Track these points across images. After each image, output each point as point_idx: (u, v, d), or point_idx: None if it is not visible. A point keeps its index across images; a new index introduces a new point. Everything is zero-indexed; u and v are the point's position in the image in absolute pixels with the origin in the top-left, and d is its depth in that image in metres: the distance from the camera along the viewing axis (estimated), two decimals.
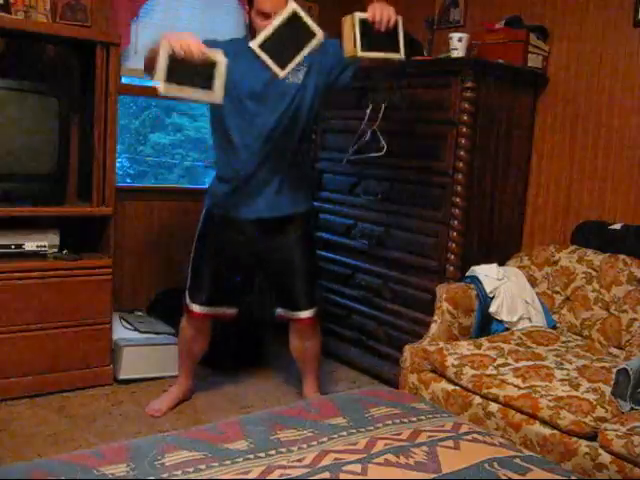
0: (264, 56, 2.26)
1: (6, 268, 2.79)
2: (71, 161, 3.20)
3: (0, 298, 2.77)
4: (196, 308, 2.77)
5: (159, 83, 2.19)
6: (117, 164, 3.18)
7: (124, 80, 3.51)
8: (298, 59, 2.31)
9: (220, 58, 2.24)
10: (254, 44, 2.25)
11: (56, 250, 2.99)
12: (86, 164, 3.11)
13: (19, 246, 2.91)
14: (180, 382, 2.92)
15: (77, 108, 3.23)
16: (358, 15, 2.33)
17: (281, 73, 2.30)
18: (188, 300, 2.79)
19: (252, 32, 2.50)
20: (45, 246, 2.97)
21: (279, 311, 2.85)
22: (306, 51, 2.30)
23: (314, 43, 2.31)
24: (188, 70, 2.19)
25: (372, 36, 2.35)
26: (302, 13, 2.29)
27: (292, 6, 2.28)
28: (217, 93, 2.25)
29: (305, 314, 2.77)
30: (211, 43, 2.52)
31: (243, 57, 2.44)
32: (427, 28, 3.58)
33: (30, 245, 2.93)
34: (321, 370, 3.05)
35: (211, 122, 2.72)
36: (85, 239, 3.13)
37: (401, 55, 2.43)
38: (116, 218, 3.14)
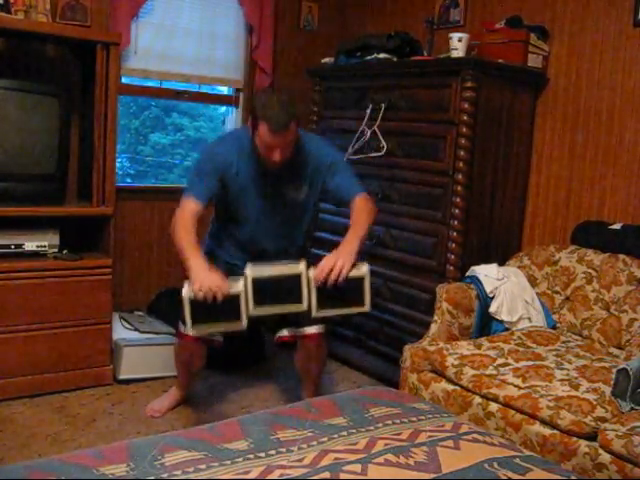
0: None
1: (6, 268, 2.79)
2: (71, 161, 3.20)
3: (0, 298, 2.77)
4: (189, 331, 2.65)
5: (188, 328, 2.32)
6: (117, 164, 3.19)
7: (124, 80, 3.51)
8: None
9: (241, 287, 2.27)
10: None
11: (56, 250, 2.99)
12: (86, 164, 3.11)
13: (19, 246, 2.90)
14: (179, 386, 2.90)
15: (77, 108, 3.23)
16: (310, 274, 2.29)
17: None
18: (181, 324, 2.64)
19: (256, 150, 2.50)
20: (45, 246, 2.97)
21: (282, 333, 2.71)
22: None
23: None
24: (213, 308, 2.23)
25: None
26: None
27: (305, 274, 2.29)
28: (243, 322, 2.28)
29: (312, 330, 2.65)
30: (212, 154, 2.60)
31: (245, 158, 2.53)
32: (427, 28, 3.59)
33: (30, 245, 2.93)
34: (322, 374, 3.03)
35: (216, 207, 2.75)
36: (85, 239, 3.13)
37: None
38: (116, 218, 3.14)
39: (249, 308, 2.27)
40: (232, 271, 2.55)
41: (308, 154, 2.59)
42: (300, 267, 2.31)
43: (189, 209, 2.47)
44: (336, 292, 2.30)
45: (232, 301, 2.24)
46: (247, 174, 2.56)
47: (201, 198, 2.48)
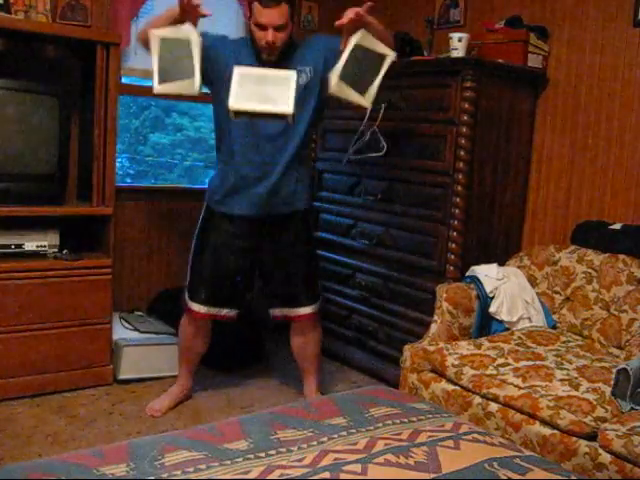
0: (346, 92, 2.33)
1: (6, 268, 2.79)
2: (71, 161, 3.20)
3: (0, 298, 2.77)
4: (195, 307, 2.76)
5: (154, 85, 2.37)
6: (117, 164, 3.19)
7: (124, 80, 3.51)
8: (377, 83, 2.35)
9: (193, 35, 2.37)
10: (334, 82, 2.32)
11: (56, 250, 2.99)
12: (86, 164, 3.11)
13: (19, 246, 2.91)
14: (180, 382, 2.92)
15: (77, 108, 3.23)
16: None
17: (366, 103, 2.37)
18: (187, 298, 2.79)
19: (253, 39, 2.53)
20: (45, 246, 2.97)
21: (275, 311, 2.83)
22: (383, 72, 2.35)
23: (387, 62, 2.35)
24: (174, 66, 2.34)
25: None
26: (367, 42, 2.31)
27: (356, 38, 2.32)
28: (196, 81, 2.36)
29: (306, 310, 2.77)
30: (217, 39, 2.59)
31: (246, 59, 2.50)
32: (427, 28, 3.58)
33: (30, 245, 2.93)
34: (322, 371, 3.05)
35: (214, 121, 2.73)
36: (85, 239, 3.13)
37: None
38: (116, 218, 3.14)
39: (231, 102, 2.31)
40: (245, 181, 2.62)
41: (309, 46, 2.62)
42: (290, 72, 2.33)
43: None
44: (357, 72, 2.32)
45: (189, 61, 2.34)
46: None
47: None
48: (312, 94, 2.61)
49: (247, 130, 2.58)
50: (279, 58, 2.52)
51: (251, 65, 2.48)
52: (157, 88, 2.37)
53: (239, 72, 2.32)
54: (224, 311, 2.79)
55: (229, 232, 2.70)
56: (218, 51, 2.56)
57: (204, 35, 2.52)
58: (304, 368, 2.92)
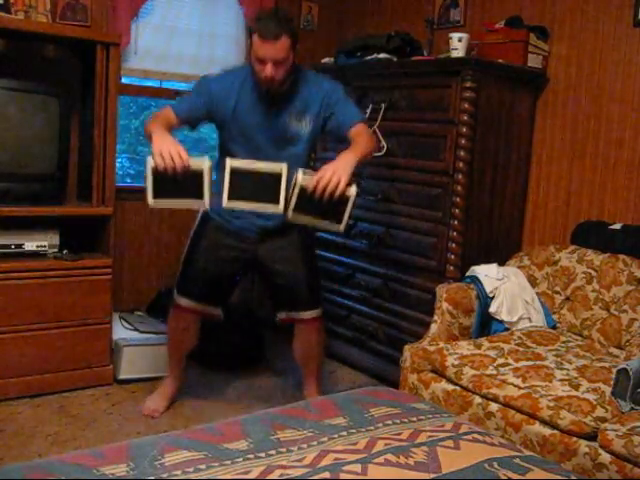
0: (304, 219, 2.33)
1: (6, 268, 2.79)
2: (71, 161, 3.20)
3: (0, 298, 2.77)
4: (183, 302, 2.74)
5: (148, 199, 2.26)
6: (117, 164, 3.19)
7: (124, 80, 3.51)
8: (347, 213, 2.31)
9: (205, 165, 2.24)
10: (289, 216, 2.28)
11: (56, 250, 2.99)
12: (86, 164, 3.11)
13: (19, 246, 2.90)
14: (171, 379, 2.88)
15: (77, 108, 3.23)
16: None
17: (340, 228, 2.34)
18: (176, 293, 2.77)
19: (253, 71, 2.49)
20: (45, 246, 2.96)
21: (281, 315, 2.80)
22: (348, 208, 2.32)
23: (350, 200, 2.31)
24: (175, 181, 2.22)
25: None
26: (308, 183, 2.24)
27: (299, 180, 2.24)
28: (206, 200, 2.27)
29: (309, 314, 2.74)
30: (209, 81, 2.58)
31: (247, 93, 2.51)
32: (427, 28, 3.58)
33: (30, 245, 2.93)
34: (322, 371, 3.04)
35: (218, 143, 2.74)
36: (85, 239, 3.13)
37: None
38: (116, 218, 3.14)
39: (223, 199, 2.26)
40: (236, 235, 2.61)
41: (310, 85, 2.58)
42: (282, 167, 2.26)
43: (164, 112, 2.49)
44: (317, 203, 2.24)
45: (195, 178, 2.23)
46: (248, 106, 2.54)
47: (179, 112, 2.49)
48: (313, 134, 2.62)
49: (249, 156, 2.56)
50: (279, 92, 2.50)
51: (253, 106, 2.49)
52: (153, 202, 2.27)
53: (231, 166, 2.26)
54: (211, 308, 2.76)
55: (228, 241, 2.68)
56: (221, 94, 2.54)
57: (206, 81, 2.54)
58: (305, 370, 2.91)
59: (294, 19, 2.54)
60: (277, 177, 2.25)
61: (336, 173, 2.24)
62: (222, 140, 2.69)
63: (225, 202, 2.26)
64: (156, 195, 2.24)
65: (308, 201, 2.24)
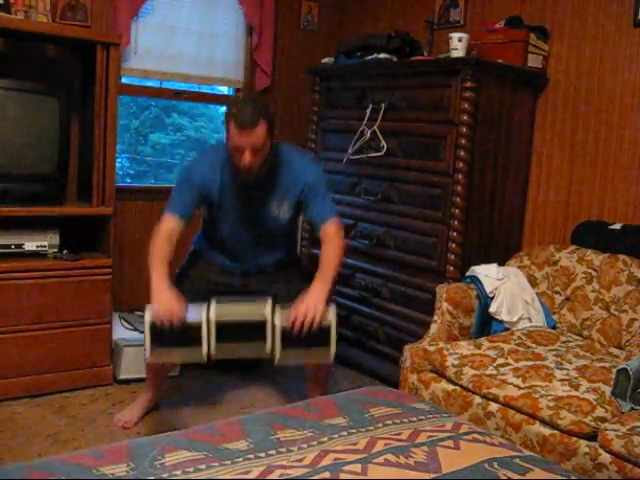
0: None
1: (6, 268, 2.79)
2: (71, 161, 3.20)
3: (0, 298, 2.77)
4: (148, 357, 2.63)
5: (146, 353, 2.30)
6: (117, 164, 3.19)
7: (124, 80, 3.51)
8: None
9: (203, 318, 2.26)
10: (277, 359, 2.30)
11: (56, 250, 2.99)
12: (86, 164, 3.11)
13: (19, 246, 2.90)
14: (149, 389, 2.80)
15: (77, 108, 3.23)
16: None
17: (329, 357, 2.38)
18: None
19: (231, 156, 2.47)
20: (45, 246, 2.97)
21: None
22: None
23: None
24: (173, 334, 2.24)
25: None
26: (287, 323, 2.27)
27: (278, 322, 2.27)
28: (204, 352, 2.28)
29: None
30: (191, 173, 2.57)
31: (228, 180, 2.51)
32: (427, 28, 3.58)
33: (30, 245, 2.93)
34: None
35: (203, 215, 2.75)
36: (85, 239, 3.13)
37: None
38: (116, 218, 3.14)
39: (210, 349, 2.27)
40: (223, 272, 2.62)
41: (291, 170, 2.54)
42: (265, 312, 2.28)
43: (167, 227, 2.47)
44: (301, 340, 2.27)
45: (193, 331, 2.25)
46: (229, 188, 2.53)
47: (181, 214, 2.49)
48: (293, 219, 2.65)
49: (234, 231, 2.61)
50: (258, 176, 2.47)
51: (233, 189, 2.50)
52: (150, 357, 2.33)
53: (215, 312, 2.27)
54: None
55: (220, 278, 2.67)
56: (205, 182, 2.52)
57: (189, 174, 2.56)
58: (312, 375, 2.83)
59: (270, 105, 2.52)
60: (261, 324, 2.28)
61: (310, 308, 2.28)
62: (207, 214, 2.69)
63: (213, 351, 2.28)
64: (154, 347, 2.27)
65: (291, 342, 2.28)
